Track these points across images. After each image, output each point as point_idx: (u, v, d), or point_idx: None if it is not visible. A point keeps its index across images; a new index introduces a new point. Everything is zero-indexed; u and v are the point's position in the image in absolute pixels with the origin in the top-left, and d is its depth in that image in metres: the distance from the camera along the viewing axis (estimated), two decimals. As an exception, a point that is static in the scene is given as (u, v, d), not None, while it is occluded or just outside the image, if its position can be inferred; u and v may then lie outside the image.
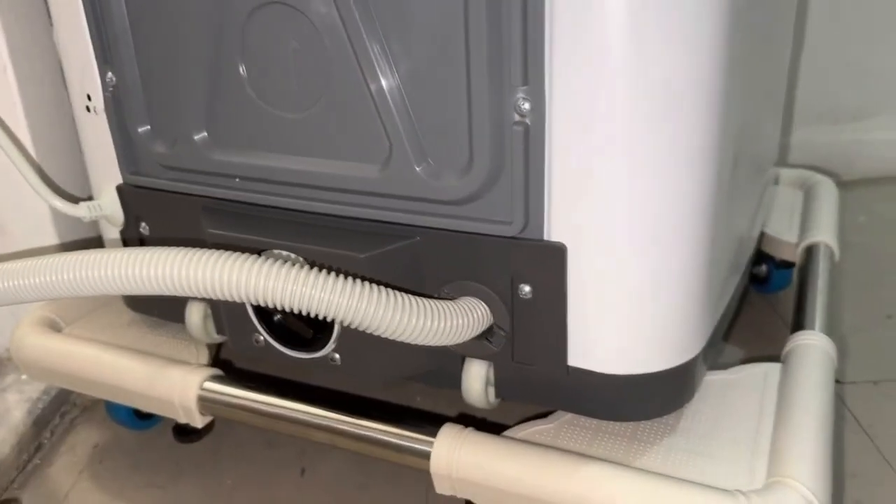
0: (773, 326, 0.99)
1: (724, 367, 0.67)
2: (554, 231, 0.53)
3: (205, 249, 0.53)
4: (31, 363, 0.77)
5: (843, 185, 1.08)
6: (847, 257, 0.95)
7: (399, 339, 0.54)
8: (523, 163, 0.52)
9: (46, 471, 0.81)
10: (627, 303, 0.54)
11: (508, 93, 0.50)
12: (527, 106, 0.50)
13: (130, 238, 0.73)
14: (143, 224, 0.71)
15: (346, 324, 0.53)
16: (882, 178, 1.40)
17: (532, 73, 0.49)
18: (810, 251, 0.87)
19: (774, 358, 0.69)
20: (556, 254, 0.54)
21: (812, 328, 0.71)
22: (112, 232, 0.74)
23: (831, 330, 0.72)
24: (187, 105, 0.62)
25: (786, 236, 0.94)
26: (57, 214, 0.82)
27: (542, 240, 0.54)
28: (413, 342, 0.54)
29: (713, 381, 0.65)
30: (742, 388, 0.65)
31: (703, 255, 0.55)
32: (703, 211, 0.54)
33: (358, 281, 0.52)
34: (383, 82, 0.54)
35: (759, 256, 0.98)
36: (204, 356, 0.73)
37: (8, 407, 0.84)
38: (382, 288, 0.53)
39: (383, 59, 0.54)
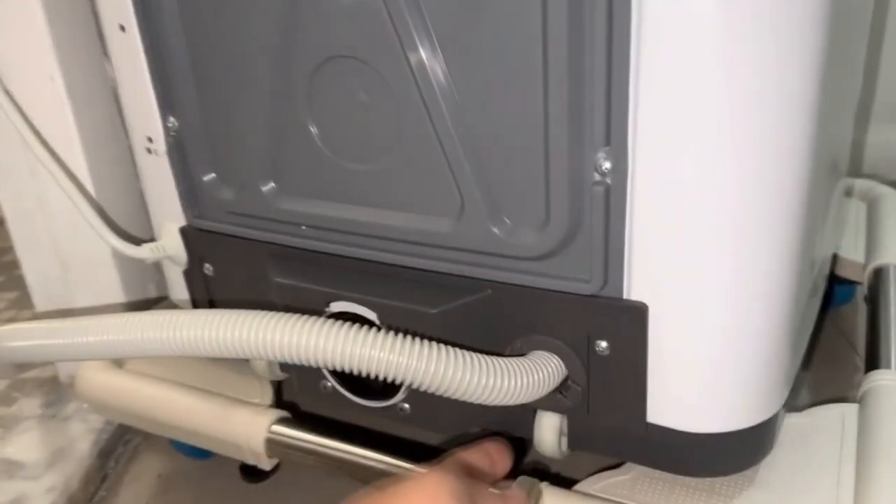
0: (836, 345, 0.96)
1: (796, 393, 0.65)
2: (634, 290, 0.52)
3: (271, 313, 0.52)
4: (96, 400, 0.78)
5: None
6: None
7: (472, 401, 0.53)
8: (603, 222, 0.50)
9: (112, 502, 0.82)
10: (709, 362, 0.53)
11: (589, 151, 0.49)
12: (608, 165, 0.49)
13: (194, 279, 0.73)
14: (207, 265, 0.71)
15: (416, 387, 0.52)
16: None
17: (615, 132, 0.48)
18: (879, 274, 0.85)
19: (842, 383, 0.67)
20: (637, 313, 0.52)
21: (888, 366, 0.69)
22: (175, 273, 0.74)
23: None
24: (253, 155, 0.62)
25: (851, 255, 0.91)
26: (119, 254, 0.83)
27: (621, 298, 0.53)
28: (485, 403, 0.53)
29: (790, 424, 0.64)
30: (820, 432, 0.63)
31: (789, 310, 0.53)
32: (792, 265, 0.52)
33: (428, 344, 0.52)
34: (454, 136, 0.53)
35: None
36: (268, 394, 0.73)
37: (73, 438, 0.85)
38: (453, 349, 0.52)
39: (454, 111, 0.52)
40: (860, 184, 1.05)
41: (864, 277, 0.87)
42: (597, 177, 0.49)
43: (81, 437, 0.85)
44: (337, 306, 0.61)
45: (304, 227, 0.62)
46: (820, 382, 0.90)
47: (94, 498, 0.82)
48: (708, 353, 0.53)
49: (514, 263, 0.55)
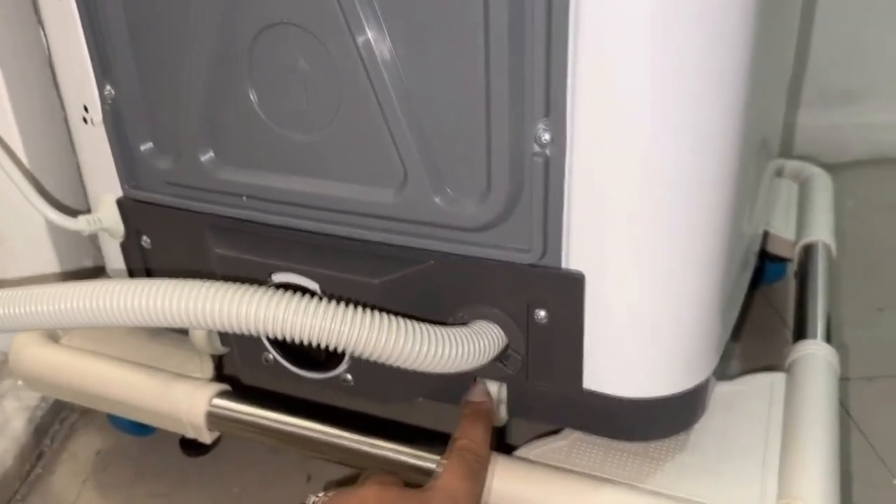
0: (767, 320, 1.00)
1: (727, 364, 0.68)
2: (573, 259, 0.53)
3: (211, 282, 0.52)
4: (31, 376, 0.76)
5: (830, 168, 1.09)
6: (839, 243, 0.96)
7: (414, 369, 0.54)
8: (542, 192, 0.51)
9: (49, 480, 0.81)
10: (642, 330, 0.55)
11: (529, 123, 0.50)
12: (547, 137, 0.50)
13: (131, 252, 0.71)
14: (145, 238, 0.70)
15: (359, 355, 0.52)
16: (871, 160, 1.41)
17: (554, 104, 0.49)
18: (808, 250, 0.88)
19: (772, 355, 0.70)
20: (574, 282, 0.53)
21: (815, 336, 0.72)
22: (112, 245, 0.72)
23: (834, 330, 0.73)
24: (192, 123, 0.61)
25: (782, 232, 0.94)
26: (55, 227, 0.81)
27: (560, 268, 0.54)
28: (428, 371, 0.54)
29: (721, 392, 0.66)
30: (749, 399, 0.65)
31: (721, 278, 0.55)
32: (723, 237, 0.54)
33: (370, 311, 0.52)
34: (398, 108, 0.53)
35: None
36: (208, 368, 0.73)
37: (7, 416, 0.83)
38: (395, 318, 0.53)
39: (398, 83, 0.52)
40: (791, 164, 1.09)
41: (795, 254, 0.91)
42: (536, 148, 0.50)
43: (15, 415, 0.83)
44: (279, 277, 0.60)
45: (244, 198, 0.62)
46: (751, 354, 0.94)
47: (29, 476, 0.81)
48: (641, 321, 0.54)
49: (455, 234, 0.55)
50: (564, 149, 0.50)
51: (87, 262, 0.85)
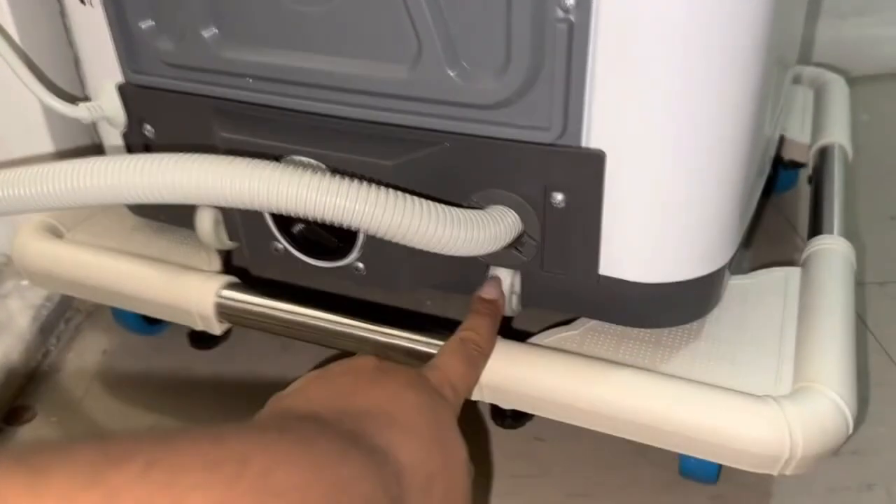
0: (778, 228, 0.99)
1: (740, 263, 0.67)
2: (593, 138, 0.51)
3: (217, 155, 0.50)
4: (36, 271, 0.75)
5: (846, 80, 1.06)
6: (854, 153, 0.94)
7: (427, 250, 0.52)
8: (565, 64, 0.49)
9: (56, 377, 0.81)
10: (664, 212, 0.53)
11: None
12: (572, 1, 0.47)
13: (134, 142, 0.69)
14: (148, 126, 0.68)
15: (372, 233, 0.51)
16: (887, 74, 1.38)
17: None
18: (824, 153, 0.86)
19: (783, 262, 0.69)
20: (595, 161, 0.52)
21: (830, 232, 0.71)
22: (113, 136, 0.70)
23: (849, 233, 0.72)
24: (194, -2, 0.58)
25: (798, 137, 0.92)
26: (51, 116, 0.78)
27: (580, 147, 0.52)
28: (442, 252, 0.53)
29: (734, 285, 0.65)
30: (763, 292, 0.65)
31: (743, 163, 0.54)
32: (747, 119, 0.52)
33: (385, 189, 0.50)
34: (412, -24, 0.50)
35: (768, 157, 0.97)
36: (216, 263, 0.72)
37: (11, 314, 0.82)
38: (410, 196, 0.51)
39: (411, -53, 0.50)
40: (809, 71, 1.06)
41: (809, 157, 0.89)
42: (560, 13, 0.48)
43: (20, 313, 0.82)
44: (289, 159, 0.59)
45: (250, 80, 0.60)
46: (762, 261, 0.93)
47: (35, 373, 0.81)
48: (661, 203, 0.53)
49: (472, 113, 0.53)
50: (590, 14, 0.47)
51: (81, 142, 0.83)
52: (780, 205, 1.03)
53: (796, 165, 0.98)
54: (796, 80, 1.06)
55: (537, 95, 0.51)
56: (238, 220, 0.64)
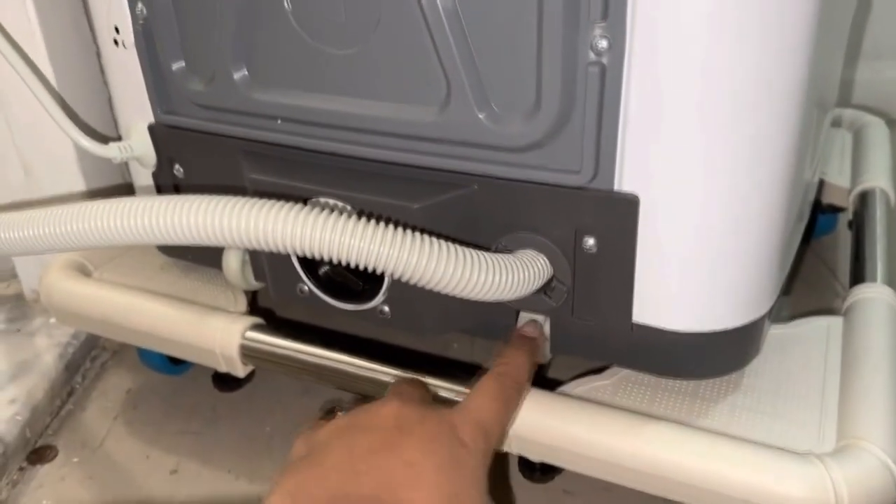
0: (818, 274, 0.96)
1: (780, 312, 0.65)
2: (626, 181, 0.50)
3: (246, 198, 0.49)
4: (63, 309, 0.75)
5: (887, 123, 1.04)
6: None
7: (454, 294, 0.51)
8: (597, 107, 0.48)
9: (80, 416, 0.80)
10: (701, 258, 0.51)
11: (584, 29, 0.46)
12: (604, 44, 0.46)
13: (164, 182, 0.69)
14: (178, 166, 0.68)
15: (399, 277, 0.50)
16: None
17: (613, 5, 0.45)
18: (864, 197, 0.84)
19: (823, 309, 0.66)
20: (628, 205, 0.50)
21: (874, 280, 0.68)
22: (143, 176, 0.71)
23: (892, 280, 0.69)
24: (225, 39, 0.58)
25: (837, 181, 0.90)
26: (83, 156, 0.79)
27: (612, 191, 0.50)
28: (469, 297, 0.51)
29: (774, 335, 0.63)
30: (804, 342, 0.62)
31: (782, 210, 0.52)
32: (786, 165, 0.50)
33: (411, 232, 0.49)
34: (442, 14, 0.50)
35: (806, 201, 0.95)
36: (242, 303, 0.71)
37: (38, 352, 0.82)
38: (437, 240, 0.50)
39: (442, -7, 0.49)
40: (848, 113, 1.04)
41: (850, 202, 0.86)
42: (592, 56, 0.47)
43: (46, 351, 0.82)
44: (316, 200, 0.58)
45: (279, 121, 0.59)
46: (802, 308, 0.90)
47: (60, 412, 0.80)
48: (698, 250, 0.51)
49: (501, 156, 0.52)
50: (623, 57, 0.46)
51: (114, 181, 0.84)
52: (819, 250, 1.00)
53: (835, 210, 0.96)
54: (835, 122, 1.04)
55: (568, 138, 0.50)
56: (264, 261, 0.63)
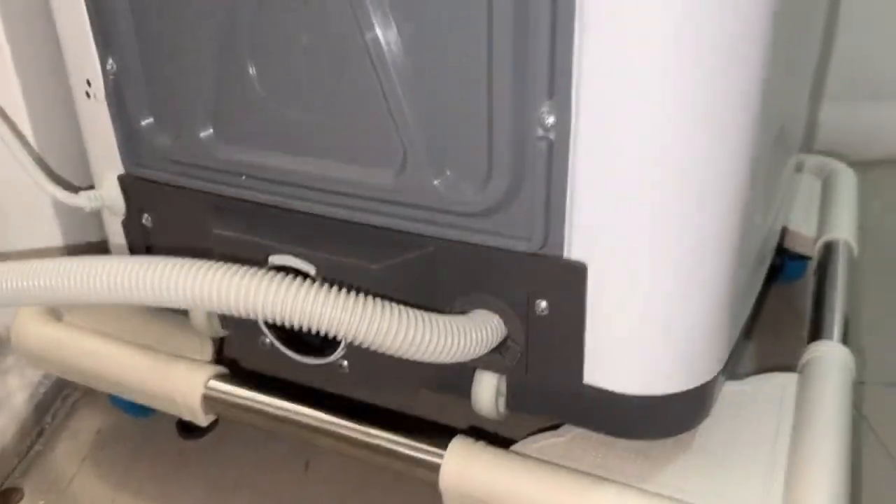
0: (785, 320, 0.97)
1: (738, 362, 0.65)
2: (574, 249, 0.51)
3: (205, 262, 0.51)
4: (32, 353, 0.75)
5: (856, 165, 1.05)
6: (862, 244, 0.92)
7: (411, 358, 0.52)
8: (545, 179, 0.49)
9: (48, 457, 0.80)
10: (648, 324, 0.52)
11: (532, 105, 0.48)
12: (551, 120, 0.48)
13: (132, 230, 0.70)
14: (146, 216, 0.69)
15: (353, 341, 0.51)
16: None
17: (559, 85, 0.47)
18: (828, 248, 0.85)
19: (786, 353, 0.67)
20: (576, 272, 0.51)
21: (830, 338, 0.69)
22: (114, 222, 0.72)
23: (850, 336, 0.70)
24: (192, 98, 0.60)
25: (803, 230, 0.91)
26: (60, 209, 0.80)
27: (561, 257, 0.52)
28: (424, 360, 0.52)
29: (730, 391, 0.64)
30: (758, 401, 0.63)
31: (732, 273, 0.53)
32: (736, 229, 0.51)
33: (365, 299, 0.50)
34: (398, 85, 0.51)
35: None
36: (208, 350, 0.72)
37: (9, 391, 0.83)
38: (393, 306, 0.51)
39: (399, 60, 0.51)
40: (814, 160, 1.06)
41: (814, 251, 0.88)
42: (539, 132, 0.48)
43: (18, 391, 0.83)
44: (276, 259, 0.59)
45: (243, 177, 0.61)
46: (765, 354, 0.91)
47: (29, 452, 0.80)
48: (646, 316, 0.52)
49: (455, 220, 0.54)
50: (569, 133, 0.48)
51: (91, 237, 0.85)
52: (788, 294, 1.01)
53: (804, 256, 0.97)
54: (802, 167, 1.05)
55: (519, 207, 0.51)
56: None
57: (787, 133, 0.72)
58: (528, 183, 0.50)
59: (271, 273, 0.50)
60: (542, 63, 0.46)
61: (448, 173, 0.52)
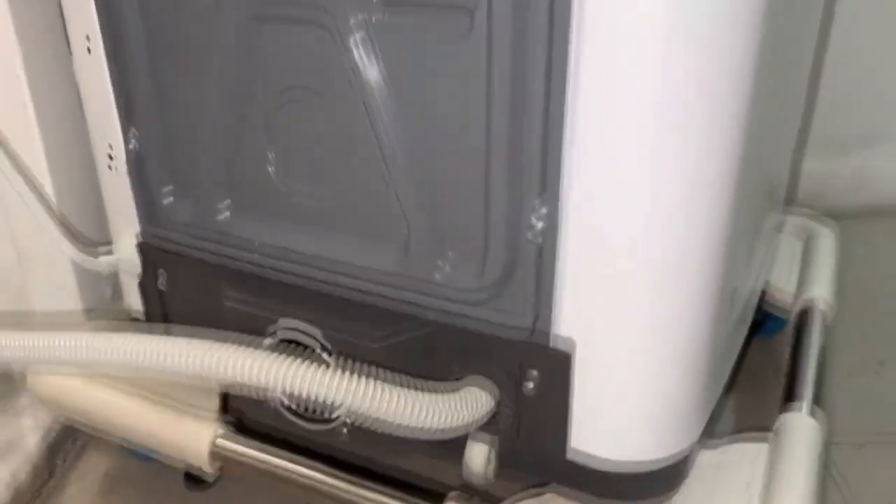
0: (765, 374, 1.00)
1: (717, 420, 0.69)
2: (561, 340, 0.56)
3: (213, 342, 0.56)
4: (45, 397, 0.79)
5: (838, 215, 1.08)
6: (840, 297, 0.94)
7: (407, 434, 0.57)
8: (535, 274, 0.54)
9: (59, 497, 0.84)
10: (630, 398, 0.57)
11: (526, 198, 0.52)
12: (540, 225, 0.53)
13: (148, 289, 0.75)
14: (161, 279, 0.73)
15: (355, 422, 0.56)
16: (880, 210, 1.37)
17: (550, 180, 0.51)
18: (805, 314, 0.89)
19: (765, 411, 0.71)
20: (562, 359, 0.56)
21: (800, 409, 0.73)
22: (131, 282, 0.76)
23: (823, 396, 0.74)
24: (210, 175, 0.64)
25: (781, 291, 0.95)
26: (80, 272, 0.83)
27: (548, 344, 0.56)
28: (419, 435, 0.57)
29: (705, 457, 0.68)
30: (731, 468, 0.67)
31: (710, 347, 0.58)
32: (710, 318, 0.56)
33: (359, 379, 0.55)
34: (403, 177, 0.56)
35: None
36: (215, 402, 0.75)
37: (22, 433, 0.87)
38: (393, 390, 0.56)
39: (405, 150, 0.56)
40: (796, 220, 1.09)
41: (793, 314, 0.92)
42: (529, 236, 0.53)
43: (31, 432, 0.87)
44: (285, 322, 0.64)
45: (256, 255, 0.65)
46: (745, 409, 0.94)
47: (41, 493, 0.84)
48: (628, 391, 0.57)
49: (453, 305, 0.58)
50: (557, 234, 0.52)
51: (107, 292, 0.89)
52: (771, 347, 1.05)
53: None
54: (781, 228, 1.08)
55: (509, 299, 0.56)
56: (237, 374, 0.69)
57: (767, 200, 0.77)
58: (520, 277, 0.55)
59: (275, 356, 0.55)
60: (534, 158, 0.51)
61: (447, 260, 0.57)
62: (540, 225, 0.53)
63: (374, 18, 0.52)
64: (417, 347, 0.61)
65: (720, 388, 0.69)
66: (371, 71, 0.54)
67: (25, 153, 0.81)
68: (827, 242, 1.03)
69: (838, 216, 1.09)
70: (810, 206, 1.14)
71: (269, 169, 0.62)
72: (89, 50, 0.67)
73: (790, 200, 1.21)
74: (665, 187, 0.50)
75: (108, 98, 0.68)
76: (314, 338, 0.63)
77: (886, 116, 1.34)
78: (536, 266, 0.54)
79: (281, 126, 0.60)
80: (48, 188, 0.83)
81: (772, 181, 0.77)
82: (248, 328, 0.65)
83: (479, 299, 0.57)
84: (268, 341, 0.64)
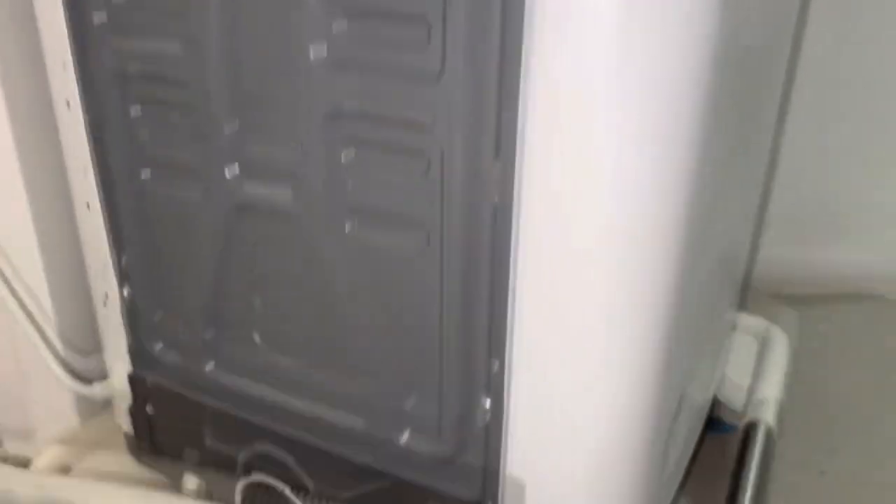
0: (718, 471, 1.05)
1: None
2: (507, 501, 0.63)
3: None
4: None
5: (794, 300, 1.12)
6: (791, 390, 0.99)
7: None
8: (483, 448, 0.61)
9: None
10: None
11: (476, 393, 0.59)
12: (488, 405, 0.59)
13: (137, 416, 0.81)
14: (150, 407, 0.79)
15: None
16: (838, 295, 1.38)
17: (494, 389, 0.58)
18: (751, 429, 0.95)
19: None
20: (510, 522, 0.63)
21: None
22: (123, 407, 0.82)
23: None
24: (197, 337, 0.71)
25: (732, 402, 1.00)
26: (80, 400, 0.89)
27: (496, 506, 0.63)
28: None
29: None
30: None
31: (655, 487, 0.64)
32: (656, 458, 0.63)
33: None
34: (368, 342, 0.63)
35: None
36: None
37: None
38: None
39: (371, 322, 0.62)
40: (753, 322, 1.13)
41: (740, 427, 0.97)
42: (480, 422, 0.59)
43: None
44: (261, 464, 0.70)
45: (236, 404, 0.71)
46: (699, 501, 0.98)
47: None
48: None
49: (411, 472, 0.65)
50: (501, 422, 0.59)
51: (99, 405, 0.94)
52: (722, 443, 1.09)
53: (739, 415, 1.06)
54: (735, 326, 1.12)
55: (462, 466, 0.62)
56: (218, 504, 0.75)
57: (720, 298, 0.81)
58: (471, 450, 0.61)
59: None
60: (481, 366, 0.57)
61: (406, 429, 0.64)
62: (486, 416, 0.60)
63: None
64: (382, 499, 0.67)
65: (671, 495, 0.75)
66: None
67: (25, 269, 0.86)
68: (780, 349, 1.08)
69: (796, 302, 1.12)
70: (770, 293, 1.17)
71: (255, 337, 0.69)
72: (88, 206, 0.73)
73: (746, 283, 1.23)
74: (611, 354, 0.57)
75: (105, 255, 0.74)
76: (286, 483, 0.69)
77: (847, 207, 1.38)
78: (484, 450, 0.61)
79: (258, 305, 0.66)
80: (48, 309, 0.88)
81: (726, 271, 0.81)
82: (225, 465, 0.71)
83: (432, 469, 0.64)
84: (241, 484, 0.70)
